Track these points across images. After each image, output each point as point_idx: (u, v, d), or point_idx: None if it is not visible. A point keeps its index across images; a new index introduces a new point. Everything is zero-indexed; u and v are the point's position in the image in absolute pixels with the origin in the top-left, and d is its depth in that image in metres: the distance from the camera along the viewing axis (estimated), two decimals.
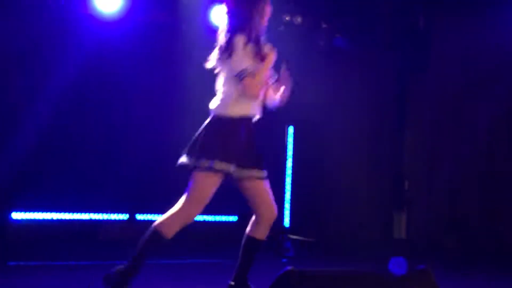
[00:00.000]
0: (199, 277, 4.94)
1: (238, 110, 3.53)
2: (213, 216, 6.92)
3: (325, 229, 7.28)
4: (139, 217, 6.62)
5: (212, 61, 3.65)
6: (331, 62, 7.09)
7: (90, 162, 6.29)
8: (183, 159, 3.61)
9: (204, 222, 6.88)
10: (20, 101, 6.06)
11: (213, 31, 6.48)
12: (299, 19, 3.64)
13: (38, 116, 6.04)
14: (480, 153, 7.04)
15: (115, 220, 6.50)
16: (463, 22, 6.91)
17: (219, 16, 6.44)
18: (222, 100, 3.57)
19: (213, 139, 3.51)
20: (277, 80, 3.67)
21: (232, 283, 3.65)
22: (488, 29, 6.70)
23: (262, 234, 3.67)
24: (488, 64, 6.85)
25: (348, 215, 7.28)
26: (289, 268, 2.90)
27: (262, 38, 3.60)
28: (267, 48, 3.59)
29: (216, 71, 3.66)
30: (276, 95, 3.70)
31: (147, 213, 6.65)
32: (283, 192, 7.12)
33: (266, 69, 3.57)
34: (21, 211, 6.11)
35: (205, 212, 7.36)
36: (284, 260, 5.98)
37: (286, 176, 7.17)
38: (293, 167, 7.17)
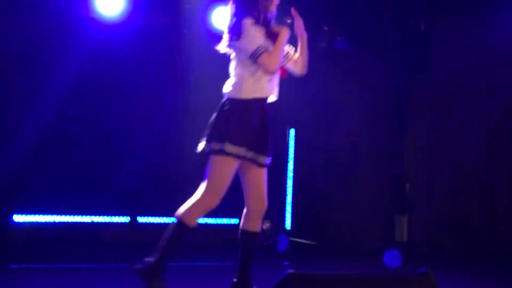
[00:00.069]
0: (201, 280, 4.94)
1: (251, 92, 3.54)
2: (214, 218, 6.93)
3: (326, 232, 7.28)
4: (141, 219, 6.63)
5: (222, 46, 3.64)
6: (332, 64, 7.10)
7: (91, 165, 6.29)
8: (200, 144, 3.60)
9: (206, 224, 6.88)
10: (21, 104, 6.07)
11: (214, 34, 6.55)
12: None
13: (39, 119, 6.05)
14: (480, 155, 7.04)
15: (116, 223, 6.50)
16: (463, 23, 6.91)
17: (220, 18, 6.46)
18: (234, 83, 3.58)
19: (225, 122, 3.51)
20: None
21: (235, 280, 3.66)
22: (489, 30, 6.71)
23: (254, 226, 3.68)
24: (488, 65, 6.84)
25: (350, 218, 7.27)
26: (290, 271, 2.90)
27: (272, 22, 3.61)
28: (278, 28, 3.61)
29: (227, 52, 3.64)
30: (297, 64, 3.70)
31: (148, 215, 6.65)
32: (284, 195, 7.12)
33: (280, 45, 3.57)
34: (22, 213, 6.11)
35: (207, 215, 7.38)
36: (286, 263, 5.98)
37: (287, 178, 7.17)
38: (294, 169, 7.17)
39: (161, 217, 6.70)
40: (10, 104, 6.08)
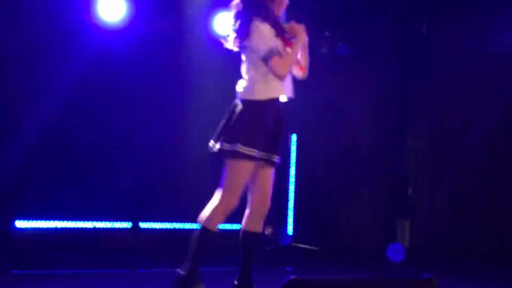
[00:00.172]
0: (205, 284, 4.91)
1: (264, 93, 3.53)
2: None
3: (328, 237, 7.27)
4: (142, 225, 6.62)
5: (230, 43, 3.62)
6: (334, 69, 7.10)
7: (93, 170, 6.29)
8: (212, 144, 3.61)
9: None
10: (23, 109, 6.08)
11: (216, 39, 6.55)
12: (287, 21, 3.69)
13: (41, 124, 6.06)
14: (482, 157, 7.04)
15: (118, 228, 6.50)
16: (464, 26, 6.92)
17: (222, 24, 6.47)
18: (247, 84, 3.57)
19: (239, 124, 3.51)
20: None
21: (236, 282, 3.65)
22: (489, 32, 6.71)
23: (256, 226, 3.68)
24: (489, 70, 6.85)
25: (352, 223, 7.26)
26: (293, 277, 2.89)
27: (281, 22, 3.60)
28: (292, 27, 3.58)
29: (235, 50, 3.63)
30: (297, 68, 3.70)
31: (150, 221, 6.65)
32: (287, 200, 7.11)
33: (295, 51, 3.57)
34: (24, 219, 6.11)
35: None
36: (288, 268, 5.97)
37: (290, 184, 7.16)
38: (296, 175, 7.17)
39: (163, 223, 6.70)
40: (12, 109, 6.08)
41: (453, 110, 7.14)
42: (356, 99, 7.30)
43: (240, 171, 3.51)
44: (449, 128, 7.17)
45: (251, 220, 3.66)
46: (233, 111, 3.57)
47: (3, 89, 6.04)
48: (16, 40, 5.98)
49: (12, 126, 6.05)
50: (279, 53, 3.50)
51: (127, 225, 6.54)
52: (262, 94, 3.52)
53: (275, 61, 3.49)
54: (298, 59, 3.69)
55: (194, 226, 6.78)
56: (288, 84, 3.63)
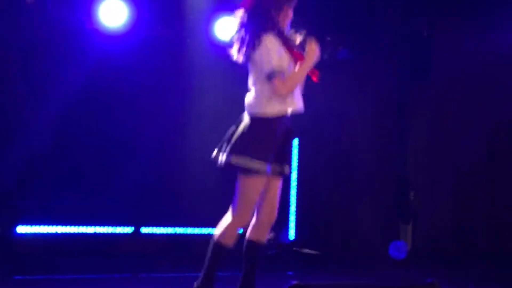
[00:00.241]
0: None
1: (273, 108, 3.49)
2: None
3: (330, 242, 7.26)
4: (144, 230, 6.61)
5: (235, 53, 3.58)
6: (335, 74, 7.10)
7: (94, 175, 6.29)
8: (217, 155, 3.57)
9: (209, 235, 6.85)
10: (24, 115, 6.08)
11: (217, 44, 6.56)
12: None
13: (42, 129, 6.06)
14: (483, 159, 7.03)
15: (120, 233, 6.49)
16: (464, 28, 6.93)
17: (223, 29, 6.47)
18: (256, 99, 3.52)
19: (249, 138, 3.47)
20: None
21: None
22: (490, 35, 6.72)
23: (262, 236, 3.67)
24: (490, 70, 6.84)
25: (354, 227, 7.25)
26: (295, 282, 2.88)
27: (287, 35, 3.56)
28: (308, 43, 3.53)
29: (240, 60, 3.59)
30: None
31: (152, 226, 6.64)
32: (288, 205, 7.11)
33: (303, 72, 3.51)
34: (25, 224, 6.10)
35: (210, 224, 7.35)
36: (290, 273, 5.96)
37: (291, 188, 7.16)
38: (298, 179, 7.16)
39: (164, 227, 6.69)
40: (13, 114, 6.08)
41: (454, 111, 7.13)
42: (357, 103, 7.30)
43: (253, 187, 3.50)
44: (450, 129, 7.17)
45: (257, 230, 3.65)
46: (241, 125, 3.55)
47: (4, 93, 6.05)
48: (18, 44, 5.98)
49: (13, 130, 6.05)
50: (281, 74, 3.45)
51: (128, 230, 6.53)
52: (271, 109, 3.49)
53: (276, 82, 3.44)
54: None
55: (195, 230, 6.84)
56: (298, 96, 3.58)
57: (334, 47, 6.94)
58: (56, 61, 6.13)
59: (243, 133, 3.50)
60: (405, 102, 7.30)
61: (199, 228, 6.81)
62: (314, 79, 3.66)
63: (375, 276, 5.89)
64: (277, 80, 3.44)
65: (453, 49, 6.98)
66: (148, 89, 6.52)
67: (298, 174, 7.16)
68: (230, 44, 3.63)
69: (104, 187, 6.30)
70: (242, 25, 3.54)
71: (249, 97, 3.56)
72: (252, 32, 3.47)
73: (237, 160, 3.47)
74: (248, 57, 3.50)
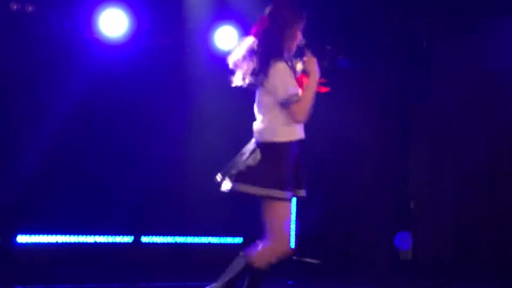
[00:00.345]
0: None
1: (286, 135, 3.50)
2: (217, 238, 6.90)
3: (330, 251, 7.25)
4: (144, 239, 6.61)
5: (238, 80, 3.56)
6: (335, 84, 7.09)
7: (94, 185, 6.29)
8: (236, 186, 3.50)
9: (209, 244, 6.86)
10: (25, 124, 6.09)
11: (217, 53, 6.58)
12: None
13: (43, 139, 6.06)
14: (483, 171, 7.03)
15: (120, 243, 6.49)
16: (463, 43, 6.94)
17: (223, 38, 6.49)
18: (268, 125, 3.50)
19: (267, 168, 3.45)
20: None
21: None
22: (489, 50, 6.73)
23: None
24: (489, 84, 6.85)
25: (354, 236, 7.24)
26: None
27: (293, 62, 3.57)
28: (307, 60, 3.54)
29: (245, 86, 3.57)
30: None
31: (152, 235, 6.64)
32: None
33: (311, 93, 3.52)
34: (26, 234, 6.10)
35: (210, 234, 7.36)
36: (290, 282, 5.96)
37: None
38: None
39: (164, 237, 6.69)
40: (14, 124, 6.09)
41: (455, 122, 7.13)
42: (357, 112, 7.31)
43: (280, 214, 3.51)
44: (451, 140, 7.17)
45: None
46: (254, 153, 3.50)
47: (5, 103, 6.06)
48: (19, 54, 6.01)
49: (13, 140, 6.06)
50: (297, 99, 3.46)
51: (128, 239, 6.53)
52: (285, 136, 3.49)
53: (294, 109, 3.46)
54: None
55: (195, 240, 6.84)
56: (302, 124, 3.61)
57: (334, 57, 6.96)
58: (57, 71, 6.15)
59: (259, 163, 3.46)
60: (406, 114, 7.31)
61: (199, 237, 6.81)
62: (323, 90, 3.66)
63: (375, 286, 5.88)
64: (295, 106, 3.46)
65: (453, 62, 6.99)
66: (148, 99, 6.54)
67: None
68: (231, 71, 3.58)
69: (104, 196, 6.30)
70: (253, 52, 3.51)
71: (259, 125, 3.53)
72: (266, 60, 3.45)
73: (258, 191, 3.45)
74: (259, 84, 3.48)
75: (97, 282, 5.30)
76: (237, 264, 3.55)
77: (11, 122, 6.08)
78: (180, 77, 6.67)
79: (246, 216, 6.75)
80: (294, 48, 3.57)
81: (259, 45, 3.51)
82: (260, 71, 3.45)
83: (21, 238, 6.08)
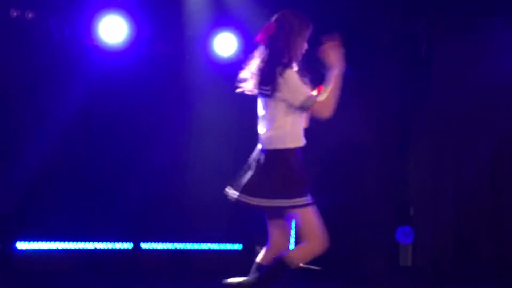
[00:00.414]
0: None
1: (294, 141, 3.52)
2: (217, 244, 6.90)
3: (330, 257, 7.22)
4: (144, 245, 6.61)
5: (249, 87, 3.56)
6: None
7: (94, 191, 6.29)
8: (264, 202, 3.48)
9: (209, 250, 6.86)
10: (25, 131, 6.10)
11: (217, 60, 6.59)
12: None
13: (43, 146, 6.07)
14: (484, 178, 7.02)
15: (119, 249, 6.48)
16: (463, 50, 6.95)
17: (223, 44, 6.51)
18: (278, 133, 3.50)
19: (283, 177, 3.46)
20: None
21: None
22: (490, 57, 6.73)
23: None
24: (489, 84, 6.84)
25: (354, 243, 7.23)
26: None
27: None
28: (325, 49, 3.55)
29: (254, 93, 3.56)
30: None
31: (152, 241, 6.64)
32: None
33: (336, 89, 3.57)
34: (25, 241, 6.10)
35: (209, 240, 7.36)
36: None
37: None
38: None
39: (164, 243, 6.68)
40: (14, 130, 6.10)
41: (455, 128, 7.12)
42: (356, 119, 7.31)
43: (308, 219, 3.56)
44: (451, 146, 7.16)
45: (270, 256, 3.65)
46: (265, 163, 3.50)
47: (5, 110, 6.07)
48: (19, 61, 6.02)
49: (13, 146, 6.07)
50: (314, 100, 3.48)
51: (128, 245, 6.53)
52: (293, 143, 3.51)
53: (316, 107, 3.48)
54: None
55: (195, 246, 6.83)
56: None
57: None
58: (56, 77, 6.16)
59: (273, 174, 3.46)
60: (405, 121, 7.31)
61: (199, 244, 6.81)
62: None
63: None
64: (316, 104, 3.48)
65: (453, 62, 6.99)
66: (148, 105, 6.55)
67: None
68: (243, 79, 3.57)
69: (104, 203, 6.30)
70: (265, 63, 3.50)
71: (268, 132, 3.52)
72: (274, 69, 3.45)
73: (281, 204, 3.46)
74: (271, 94, 3.46)
75: None
76: (274, 262, 3.54)
77: (11, 128, 6.08)
78: (179, 83, 6.68)
79: (245, 223, 6.77)
80: (300, 56, 3.58)
81: (266, 53, 3.51)
82: (270, 81, 3.45)
83: (21, 245, 6.08)
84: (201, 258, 6.79)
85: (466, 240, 7.06)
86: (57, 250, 6.20)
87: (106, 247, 6.40)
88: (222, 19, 6.47)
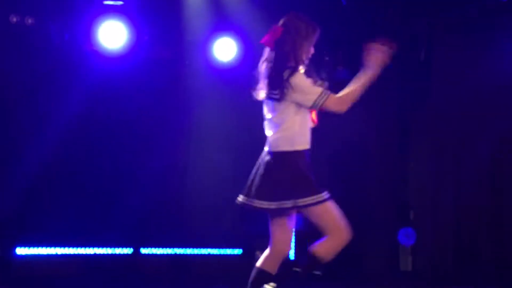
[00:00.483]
0: None
1: (301, 143, 3.51)
2: (217, 249, 6.89)
3: (331, 262, 7.22)
4: (144, 251, 6.60)
5: (258, 93, 3.54)
6: (336, 85, 7.10)
7: (93, 196, 6.29)
8: (279, 204, 3.47)
9: (209, 255, 6.85)
10: (24, 136, 6.10)
11: (216, 65, 6.59)
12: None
13: (42, 151, 6.07)
14: (485, 180, 7.01)
15: (119, 254, 6.47)
16: (463, 53, 6.95)
17: (223, 49, 6.51)
18: (286, 135, 3.49)
19: (298, 178, 3.45)
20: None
21: None
22: (490, 57, 6.74)
23: (273, 267, 3.64)
24: (489, 84, 6.84)
25: (354, 247, 7.21)
26: None
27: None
28: (372, 47, 3.61)
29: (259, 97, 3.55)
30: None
31: (151, 247, 6.63)
32: None
33: (363, 86, 3.64)
34: (25, 246, 6.09)
35: (209, 245, 7.35)
36: None
37: None
38: None
39: (164, 248, 6.68)
40: (14, 135, 6.11)
41: (455, 131, 7.12)
42: (356, 123, 7.31)
43: (327, 214, 3.58)
44: (451, 149, 7.16)
45: (270, 260, 3.64)
46: (273, 166, 3.47)
47: (5, 115, 6.08)
48: (19, 68, 6.03)
49: (12, 153, 6.07)
50: (326, 97, 3.50)
51: (128, 251, 6.52)
52: (301, 145, 3.51)
53: (329, 103, 3.52)
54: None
55: (195, 251, 6.82)
56: None
57: (333, 67, 6.97)
58: (56, 83, 6.17)
59: (284, 176, 3.45)
60: (405, 124, 7.31)
61: (199, 249, 6.80)
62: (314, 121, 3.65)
63: None
64: (330, 97, 3.51)
65: (453, 62, 6.99)
66: (147, 110, 6.55)
67: None
68: (254, 84, 3.54)
69: (104, 208, 6.30)
70: (272, 69, 3.49)
71: (276, 134, 3.50)
72: (281, 73, 3.44)
73: (296, 204, 3.46)
74: (281, 98, 3.45)
75: None
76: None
77: (10, 133, 6.08)
78: (179, 88, 6.69)
79: (245, 227, 6.76)
80: (306, 60, 3.58)
81: (272, 57, 3.50)
82: (278, 85, 3.44)
83: (20, 250, 6.07)
84: (201, 263, 6.78)
85: (466, 240, 7.06)
86: (57, 256, 6.20)
87: (106, 252, 6.39)
88: (221, 24, 6.47)
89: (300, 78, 3.47)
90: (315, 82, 3.56)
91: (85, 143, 6.32)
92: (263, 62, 3.54)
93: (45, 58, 6.09)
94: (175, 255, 6.70)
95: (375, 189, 7.24)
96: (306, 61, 3.57)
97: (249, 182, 3.52)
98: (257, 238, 6.35)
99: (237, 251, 6.99)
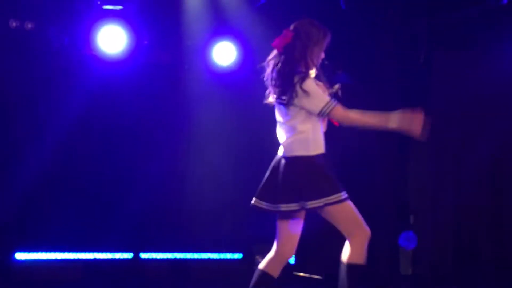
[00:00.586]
0: None
1: (317, 148, 3.56)
2: (217, 253, 6.88)
3: (331, 266, 7.21)
4: (143, 255, 6.59)
5: (270, 98, 3.56)
6: (334, 98, 7.10)
7: (93, 201, 6.29)
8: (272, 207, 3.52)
9: (209, 260, 6.84)
10: (24, 141, 6.10)
11: (215, 70, 6.59)
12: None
13: (42, 156, 6.07)
14: (485, 182, 7.01)
15: (119, 259, 6.46)
16: (462, 56, 6.96)
17: (222, 53, 6.52)
18: (300, 139, 3.52)
19: (316, 179, 3.50)
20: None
21: None
22: (490, 58, 6.74)
23: (276, 271, 3.63)
24: (489, 85, 6.84)
25: None
26: None
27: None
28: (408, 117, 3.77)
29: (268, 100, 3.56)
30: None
31: (151, 251, 6.62)
32: None
33: (379, 124, 3.82)
34: (24, 251, 6.08)
35: (209, 250, 7.34)
36: None
37: None
38: None
39: (164, 253, 6.67)
40: (13, 140, 6.11)
41: (455, 123, 7.11)
42: (356, 128, 7.30)
43: (347, 210, 3.59)
44: (451, 154, 7.16)
45: (274, 264, 3.64)
46: (289, 170, 3.49)
47: (5, 119, 6.08)
48: (18, 73, 6.03)
49: (12, 158, 6.07)
50: (333, 106, 3.53)
51: (128, 255, 6.51)
52: (315, 149, 3.56)
53: (335, 112, 3.56)
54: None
55: (195, 256, 6.81)
56: None
57: (332, 71, 6.97)
58: (56, 87, 6.17)
59: (309, 178, 3.49)
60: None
61: (199, 253, 6.79)
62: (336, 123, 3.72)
63: None
64: (335, 109, 3.54)
65: (453, 62, 6.99)
66: (147, 115, 6.55)
67: None
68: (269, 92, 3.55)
69: (103, 213, 6.29)
70: (280, 72, 3.49)
71: (289, 139, 3.53)
72: (291, 78, 3.45)
73: (317, 204, 3.50)
74: (291, 103, 3.47)
75: None
76: (343, 272, 3.63)
77: (10, 138, 6.09)
78: (178, 93, 6.69)
79: (245, 232, 6.76)
80: (316, 65, 3.59)
81: (281, 61, 3.50)
82: (288, 90, 3.45)
83: (20, 255, 6.06)
84: (201, 268, 6.77)
85: (466, 240, 7.05)
86: (57, 261, 6.19)
87: (106, 257, 6.38)
88: (221, 28, 6.48)
89: (310, 83, 3.48)
90: (326, 88, 3.57)
91: (84, 147, 6.32)
92: (271, 65, 3.52)
93: (45, 62, 6.10)
94: (175, 259, 6.70)
95: (375, 190, 7.23)
96: (316, 66, 3.59)
97: (264, 187, 3.53)
98: (257, 243, 6.35)
99: (237, 256, 6.97)
